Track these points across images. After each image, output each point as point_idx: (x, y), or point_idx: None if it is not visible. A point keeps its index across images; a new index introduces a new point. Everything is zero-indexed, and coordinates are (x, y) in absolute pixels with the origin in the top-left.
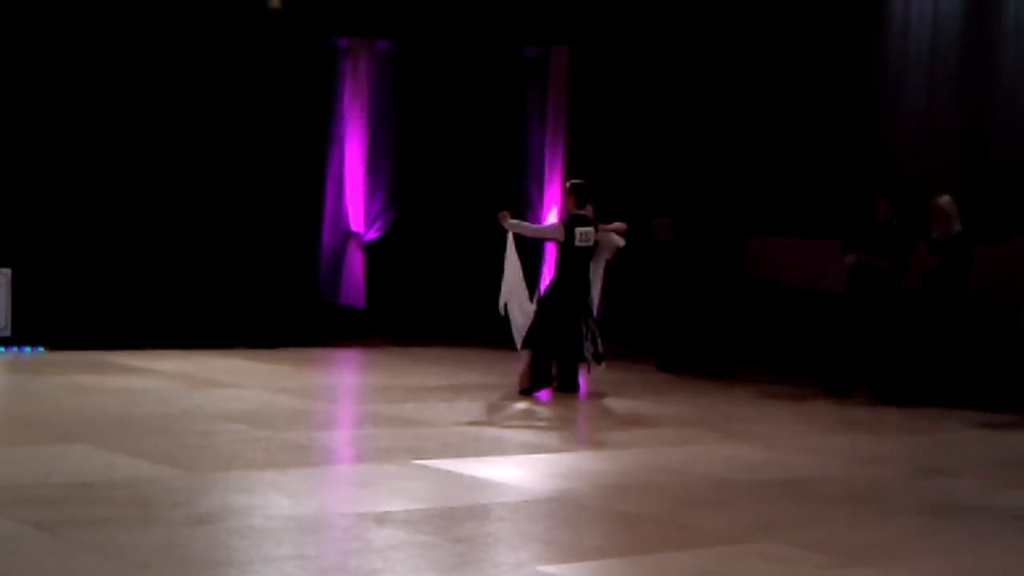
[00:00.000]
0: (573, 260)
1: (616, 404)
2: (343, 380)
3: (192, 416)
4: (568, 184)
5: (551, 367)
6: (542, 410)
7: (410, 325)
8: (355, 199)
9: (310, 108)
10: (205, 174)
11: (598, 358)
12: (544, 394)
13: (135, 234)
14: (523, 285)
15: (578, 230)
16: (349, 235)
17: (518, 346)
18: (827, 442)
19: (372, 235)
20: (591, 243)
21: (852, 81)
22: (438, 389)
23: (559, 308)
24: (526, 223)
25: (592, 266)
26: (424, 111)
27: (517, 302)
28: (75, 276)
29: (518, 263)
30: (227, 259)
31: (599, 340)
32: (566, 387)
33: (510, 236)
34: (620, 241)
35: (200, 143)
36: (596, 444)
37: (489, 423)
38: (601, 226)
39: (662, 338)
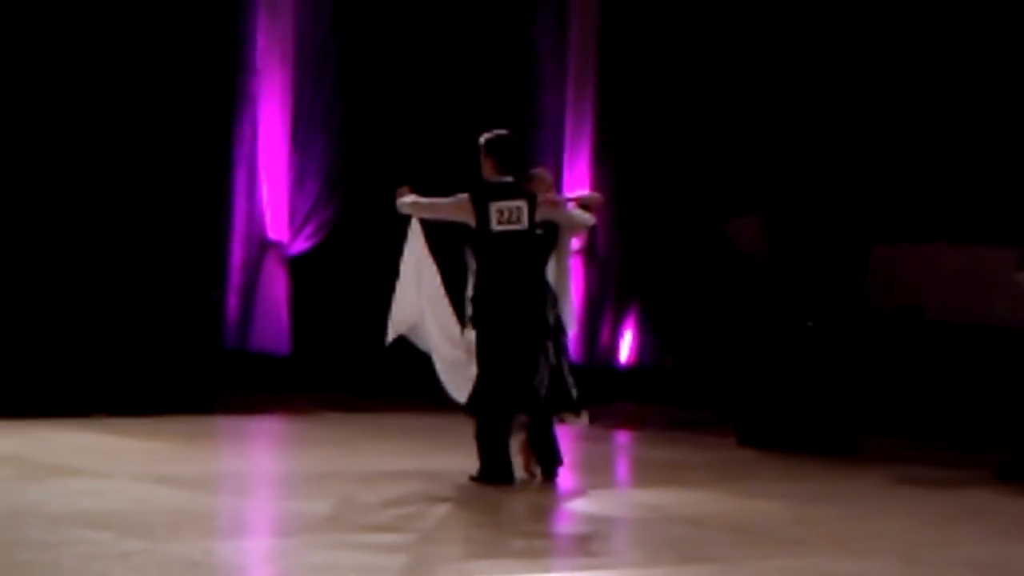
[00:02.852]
0: (493, 254)
1: (675, 498)
2: (257, 464)
3: (27, 519)
4: (483, 139)
5: (507, 445)
6: (542, 505)
7: (358, 379)
8: (275, 192)
9: (207, 57)
10: (50, 158)
11: (575, 407)
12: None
13: None
14: (444, 299)
15: (494, 205)
16: (266, 246)
17: (459, 399)
18: (1000, 552)
19: (300, 246)
20: (522, 225)
21: None
22: (405, 476)
23: (499, 341)
24: (421, 198)
25: (552, 266)
26: (380, 58)
27: (437, 325)
28: None
29: (432, 265)
30: (82, 285)
31: (570, 379)
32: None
33: (415, 225)
34: (587, 218)
35: (44, 111)
36: (647, 557)
37: (484, 526)
38: (546, 198)
39: (747, 398)
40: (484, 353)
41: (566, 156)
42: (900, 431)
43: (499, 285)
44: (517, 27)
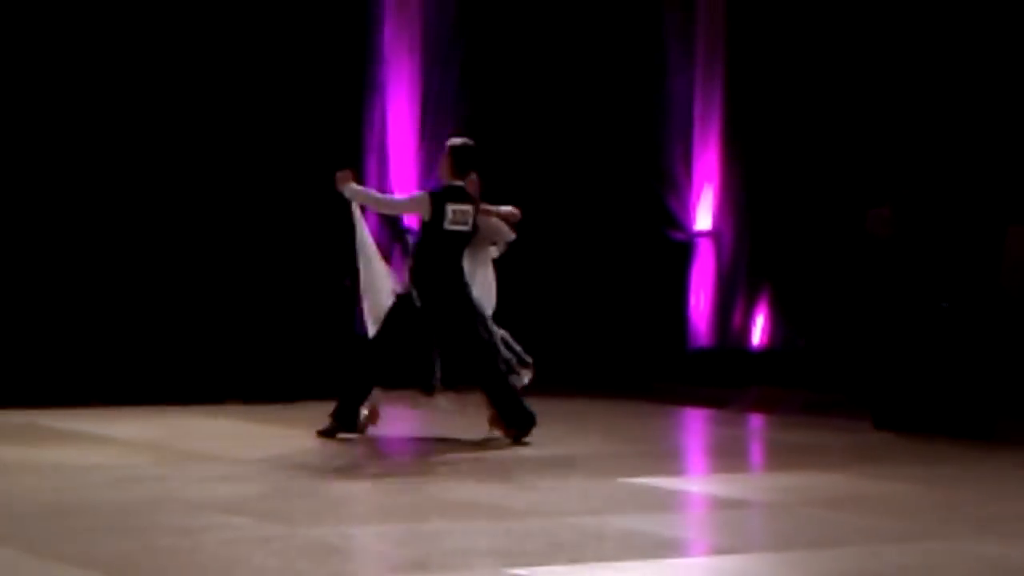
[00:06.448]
0: (439, 249)
1: (811, 482)
2: (394, 447)
3: (165, 505)
4: (451, 144)
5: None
6: (697, 490)
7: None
8: (404, 179)
9: (335, 47)
10: (179, 150)
11: (524, 363)
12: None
13: (73, 238)
14: (388, 275)
15: (450, 207)
16: (400, 233)
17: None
18: None
19: None
20: (468, 227)
21: None
22: (541, 461)
23: (416, 319)
24: (374, 192)
25: (469, 259)
26: (506, 46)
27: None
28: None
29: (375, 249)
30: (213, 273)
31: (516, 347)
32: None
33: (356, 213)
34: (508, 232)
35: (182, 104)
36: (783, 540)
37: (618, 511)
38: (483, 207)
39: (881, 381)
40: (394, 324)
41: (695, 141)
42: None
43: (438, 274)
44: (644, 11)
